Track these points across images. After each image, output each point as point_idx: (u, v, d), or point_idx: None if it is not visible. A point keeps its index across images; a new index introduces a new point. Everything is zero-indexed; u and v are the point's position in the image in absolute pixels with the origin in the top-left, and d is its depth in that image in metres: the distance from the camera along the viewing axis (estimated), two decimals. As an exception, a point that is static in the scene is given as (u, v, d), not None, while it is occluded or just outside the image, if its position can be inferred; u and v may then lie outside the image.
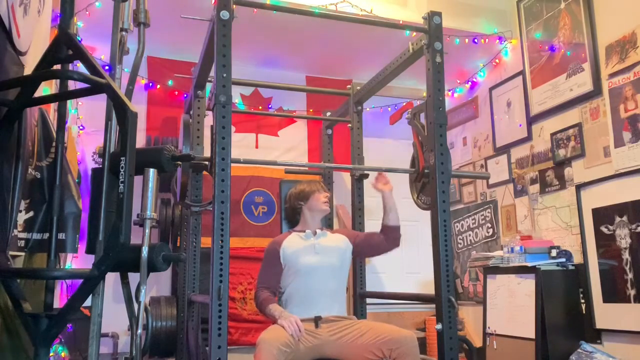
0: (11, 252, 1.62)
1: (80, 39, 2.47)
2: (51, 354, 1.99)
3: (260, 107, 4.74)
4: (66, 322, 1.52)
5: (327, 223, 2.93)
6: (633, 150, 3.23)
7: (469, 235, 4.76)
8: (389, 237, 2.58)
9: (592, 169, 3.53)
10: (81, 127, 4.13)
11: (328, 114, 3.57)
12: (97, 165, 2.68)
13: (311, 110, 4.84)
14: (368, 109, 4.55)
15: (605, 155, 3.44)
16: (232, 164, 2.09)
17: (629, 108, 3.28)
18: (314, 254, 2.52)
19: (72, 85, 2.43)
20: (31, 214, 1.79)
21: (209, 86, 2.88)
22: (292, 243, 2.56)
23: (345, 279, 2.63)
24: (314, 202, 2.64)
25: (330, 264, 2.52)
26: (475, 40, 4.20)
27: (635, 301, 3.15)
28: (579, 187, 3.60)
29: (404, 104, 4.87)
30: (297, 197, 2.69)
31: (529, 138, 4.11)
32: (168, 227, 3.87)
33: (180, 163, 2.66)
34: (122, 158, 1.31)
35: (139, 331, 1.40)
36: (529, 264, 3.44)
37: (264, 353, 2.10)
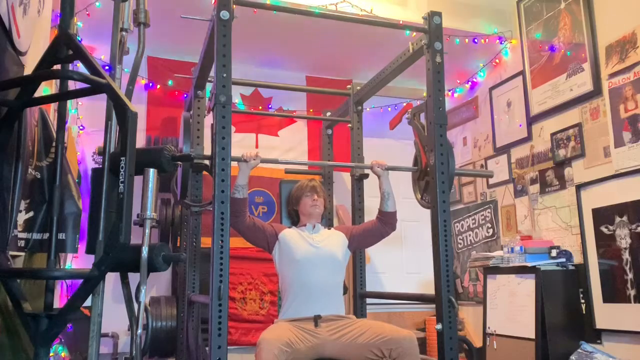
0: (11, 252, 1.62)
1: (80, 39, 2.47)
2: (51, 354, 1.99)
3: (260, 107, 4.74)
4: (66, 322, 1.52)
5: (328, 223, 2.93)
6: (633, 150, 3.23)
7: (469, 235, 4.76)
8: (387, 223, 2.65)
9: (592, 169, 3.53)
10: (81, 127, 4.13)
11: (328, 114, 3.57)
12: (97, 165, 2.67)
13: (311, 110, 4.84)
14: (368, 109, 4.55)
15: (605, 155, 3.44)
16: (232, 164, 2.10)
17: (629, 108, 3.28)
18: (310, 246, 2.54)
19: (72, 85, 2.43)
20: (31, 214, 1.79)
21: (209, 86, 2.88)
22: (291, 233, 2.62)
23: (343, 275, 2.64)
24: (302, 207, 2.72)
25: (326, 258, 2.53)
26: (475, 40, 4.20)
27: (635, 301, 3.15)
28: (579, 187, 3.60)
29: (404, 104, 4.88)
30: (289, 202, 2.83)
31: (529, 138, 4.11)
32: (168, 227, 3.87)
33: (180, 163, 2.66)
34: (122, 158, 1.31)
35: (139, 331, 1.40)
36: (529, 264, 3.44)
37: (265, 353, 2.10)
